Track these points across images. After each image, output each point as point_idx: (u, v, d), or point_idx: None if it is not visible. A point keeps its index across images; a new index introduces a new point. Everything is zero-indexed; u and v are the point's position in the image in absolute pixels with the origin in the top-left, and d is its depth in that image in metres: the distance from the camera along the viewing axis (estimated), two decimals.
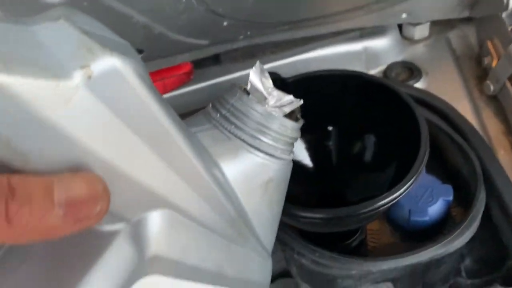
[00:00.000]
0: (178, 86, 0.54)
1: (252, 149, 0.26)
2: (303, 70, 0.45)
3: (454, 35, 0.60)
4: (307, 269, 0.43)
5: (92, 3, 0.37)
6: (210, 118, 0.26)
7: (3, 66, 0.15)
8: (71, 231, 0.17)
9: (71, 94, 0.17)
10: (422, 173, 0.35)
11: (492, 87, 0.52)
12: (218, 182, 0.24)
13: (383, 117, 0.42)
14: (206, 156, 0.24)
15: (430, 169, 0.46)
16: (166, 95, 0.54)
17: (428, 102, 0.49)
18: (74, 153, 0.18)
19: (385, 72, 0.57)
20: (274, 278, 0.70)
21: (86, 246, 0.21)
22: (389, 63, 0.58)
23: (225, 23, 0.43)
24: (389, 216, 0.46)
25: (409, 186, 0.35)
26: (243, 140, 0.26)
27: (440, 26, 0.61)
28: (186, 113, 0.30)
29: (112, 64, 0.18)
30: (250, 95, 0.26)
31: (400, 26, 0.60)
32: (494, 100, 0.52)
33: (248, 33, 0.46)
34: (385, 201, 0.34)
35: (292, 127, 0.27)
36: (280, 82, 0.29)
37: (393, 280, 0.43)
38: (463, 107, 0.51)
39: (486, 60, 0.54)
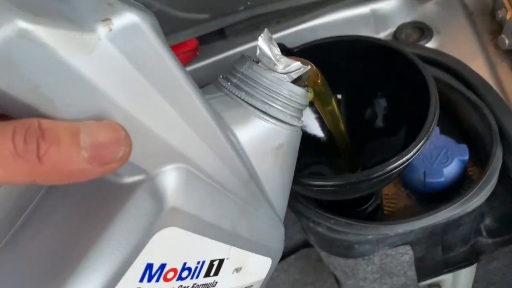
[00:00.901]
0: (185, 64, 0.54)
1: (262, 115, 0.27)
2: (310, 38, 0.44)
3: None
4: (323, 237, 0.43)
5: None
6: (221, 87, 0.28)
7: (33, 17, 0.16)
8: (96, 174, 0.18)
9: (94, 45, 0.18)
10: (433, 133, 0.35)
11: (507, 41, 0.50)
12: (232, 144, 0.25)
13: (392, 80, 0.41)
14: (220, 119, 0.25)
15: (444, 130, 0.45)
16: None
17: (439, 61, 0.48)
18: (98, 102, 0.19)
19: (395, 34, 0.56)
20: (297, 248, 0.71)
21: (109, 198, 0.22)
22: (398, 25, 0.56)
23: None
24: (404, 179, 0.45)
25: (420, 147, 0.34)
26: (254, 106, 0.27)
27: None
28: None
29: (131, 18, 0.19)
30: (259, 63, 0.28)
31: None
32: (510, 54, 0.51)
33: (248, 3, 0.45)
34: (396, 164, 0.34)
35: (300, 93, 0.28)
36: (286, 53, 0.29)
37: (411, 243, 0.43)
38: (478, 64, 0.50)
39: (500, 13, 0.52)
